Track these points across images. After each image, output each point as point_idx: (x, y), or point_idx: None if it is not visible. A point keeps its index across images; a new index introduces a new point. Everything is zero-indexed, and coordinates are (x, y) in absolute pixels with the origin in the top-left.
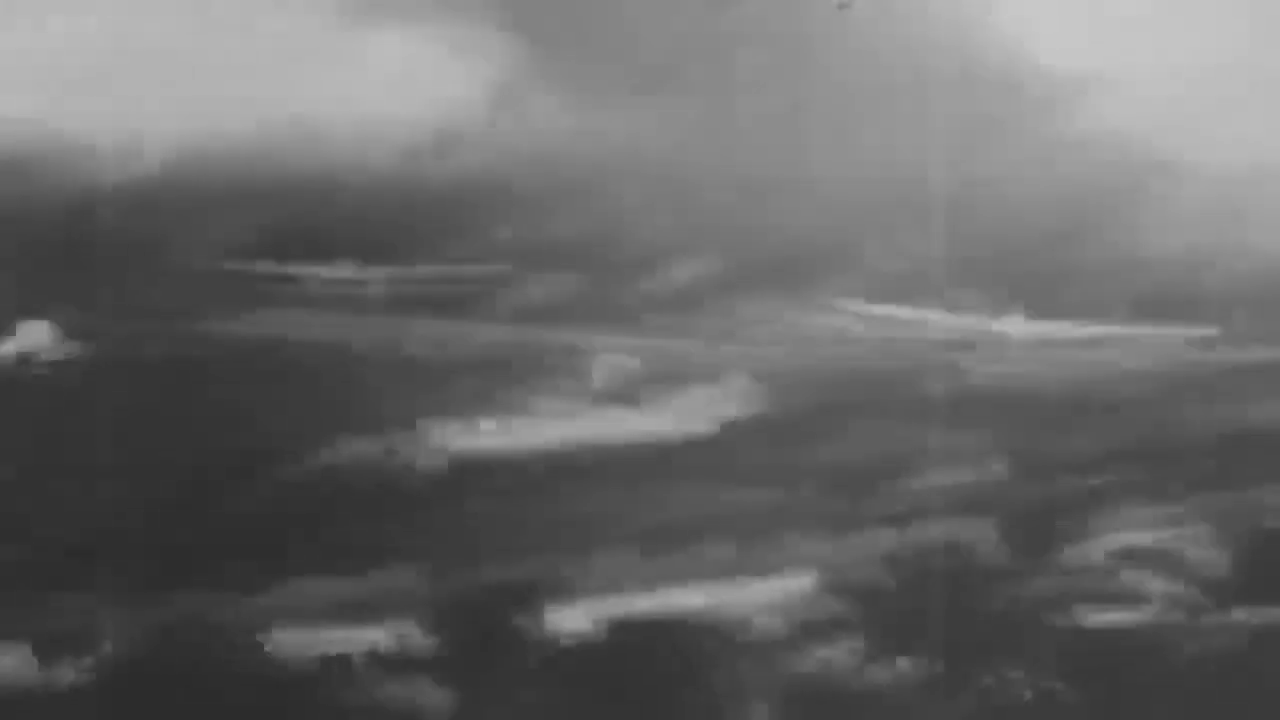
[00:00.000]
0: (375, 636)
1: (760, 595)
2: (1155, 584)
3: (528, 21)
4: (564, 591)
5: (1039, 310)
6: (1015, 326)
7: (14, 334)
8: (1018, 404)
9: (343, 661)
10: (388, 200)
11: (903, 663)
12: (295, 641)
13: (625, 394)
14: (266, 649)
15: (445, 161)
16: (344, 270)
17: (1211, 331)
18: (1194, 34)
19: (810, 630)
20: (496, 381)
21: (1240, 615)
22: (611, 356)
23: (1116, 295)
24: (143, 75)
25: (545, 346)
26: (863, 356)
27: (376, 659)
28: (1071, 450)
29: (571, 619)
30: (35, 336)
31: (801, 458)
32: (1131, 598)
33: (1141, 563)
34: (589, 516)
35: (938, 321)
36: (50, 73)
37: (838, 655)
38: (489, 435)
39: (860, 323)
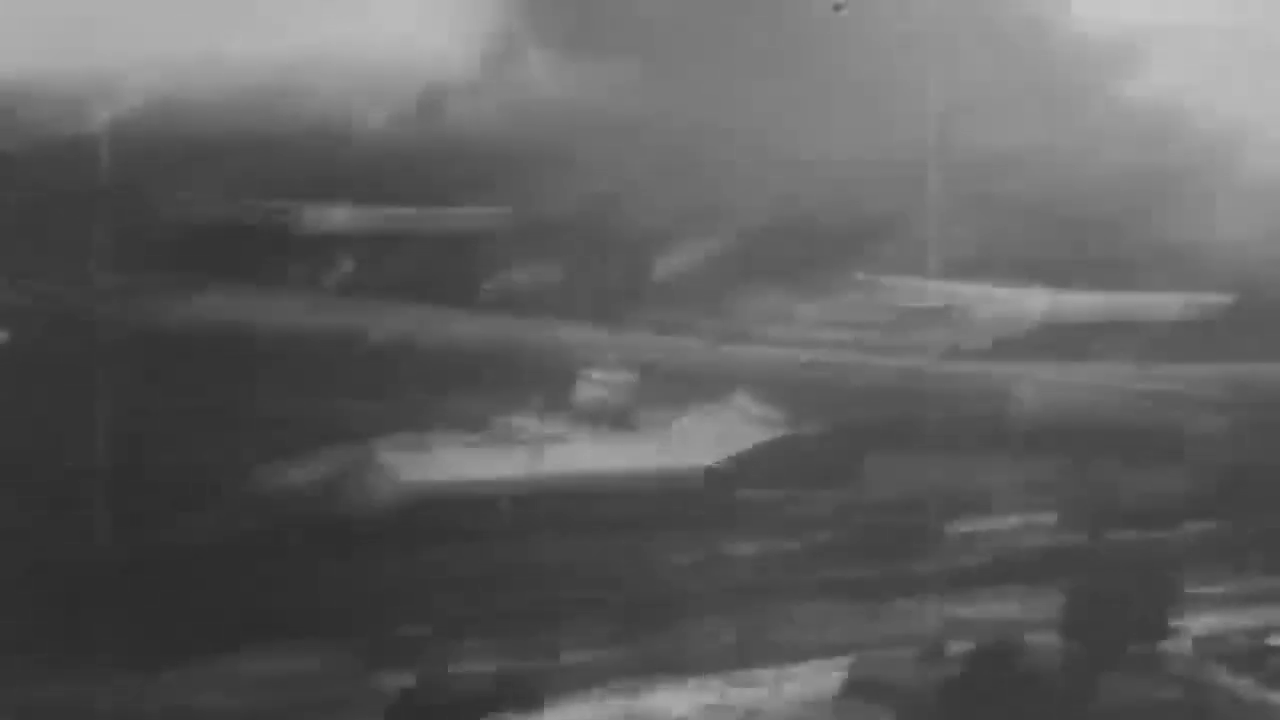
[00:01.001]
0: None
1: (771, 698)
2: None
3: None
4: (531, 689)
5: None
6: (1042, 300)
7: None
8: (1067, 433)
9: None
10: (370, 160)
11: None
12: None
13: (614, 414)
14: None
15: (432, 121)
16: (339, 214)
17: (1226, 299)
18: None
19: None
20: (466, 391)
21: None
22: (599, 369)
23: (1162, 279)
24: (118, 21)
25: (526, 346)
26: (890, 364)
27: None
28: (1137, 493)
29: None
30: None
31: (817, 503)
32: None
33: (1238, 659)
34: (558, 581)
35: (969, 295)
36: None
37: None
38: (450, 463)
39: (885, 308)
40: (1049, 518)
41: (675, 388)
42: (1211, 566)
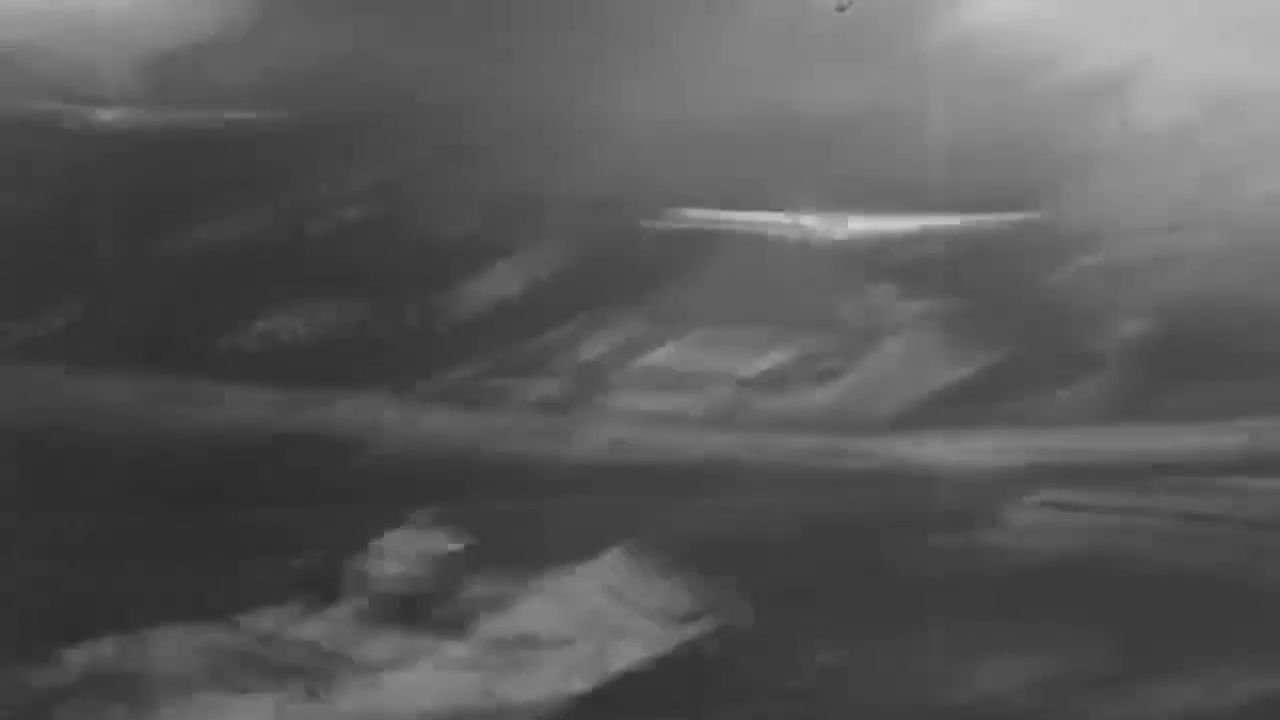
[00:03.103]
0: None
1: None
2: None
3: None
4: None
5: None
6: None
7: None
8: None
9: None
10: (106, 138)
11: None
12: None
13: (425, 611)
14: None
15: (177, 92)
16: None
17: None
18: None
19: None
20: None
21: None
22: (400, 535)
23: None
24: None
25: (280, 452)
26: (802, 461)
27: None
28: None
29: None
30: None
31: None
32: None
33: None
34: None
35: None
36: None
37: None
38: None
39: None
40: None
41: (515, 539)
42: None
